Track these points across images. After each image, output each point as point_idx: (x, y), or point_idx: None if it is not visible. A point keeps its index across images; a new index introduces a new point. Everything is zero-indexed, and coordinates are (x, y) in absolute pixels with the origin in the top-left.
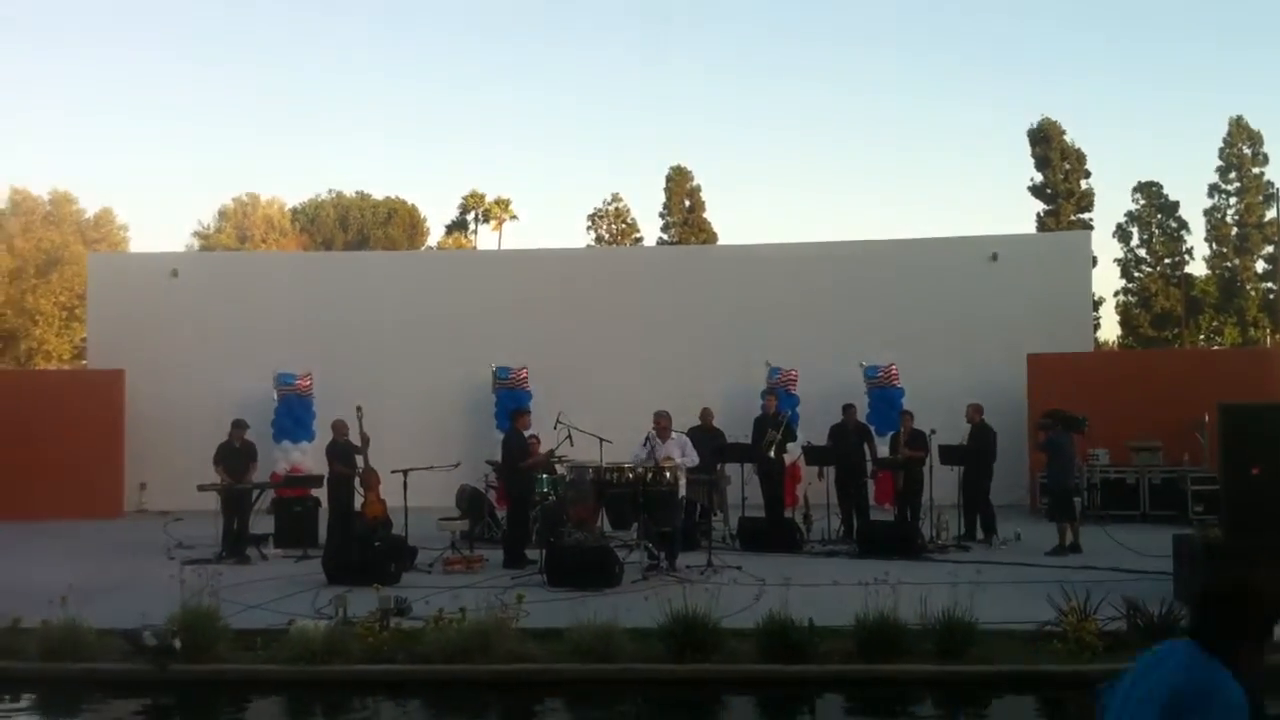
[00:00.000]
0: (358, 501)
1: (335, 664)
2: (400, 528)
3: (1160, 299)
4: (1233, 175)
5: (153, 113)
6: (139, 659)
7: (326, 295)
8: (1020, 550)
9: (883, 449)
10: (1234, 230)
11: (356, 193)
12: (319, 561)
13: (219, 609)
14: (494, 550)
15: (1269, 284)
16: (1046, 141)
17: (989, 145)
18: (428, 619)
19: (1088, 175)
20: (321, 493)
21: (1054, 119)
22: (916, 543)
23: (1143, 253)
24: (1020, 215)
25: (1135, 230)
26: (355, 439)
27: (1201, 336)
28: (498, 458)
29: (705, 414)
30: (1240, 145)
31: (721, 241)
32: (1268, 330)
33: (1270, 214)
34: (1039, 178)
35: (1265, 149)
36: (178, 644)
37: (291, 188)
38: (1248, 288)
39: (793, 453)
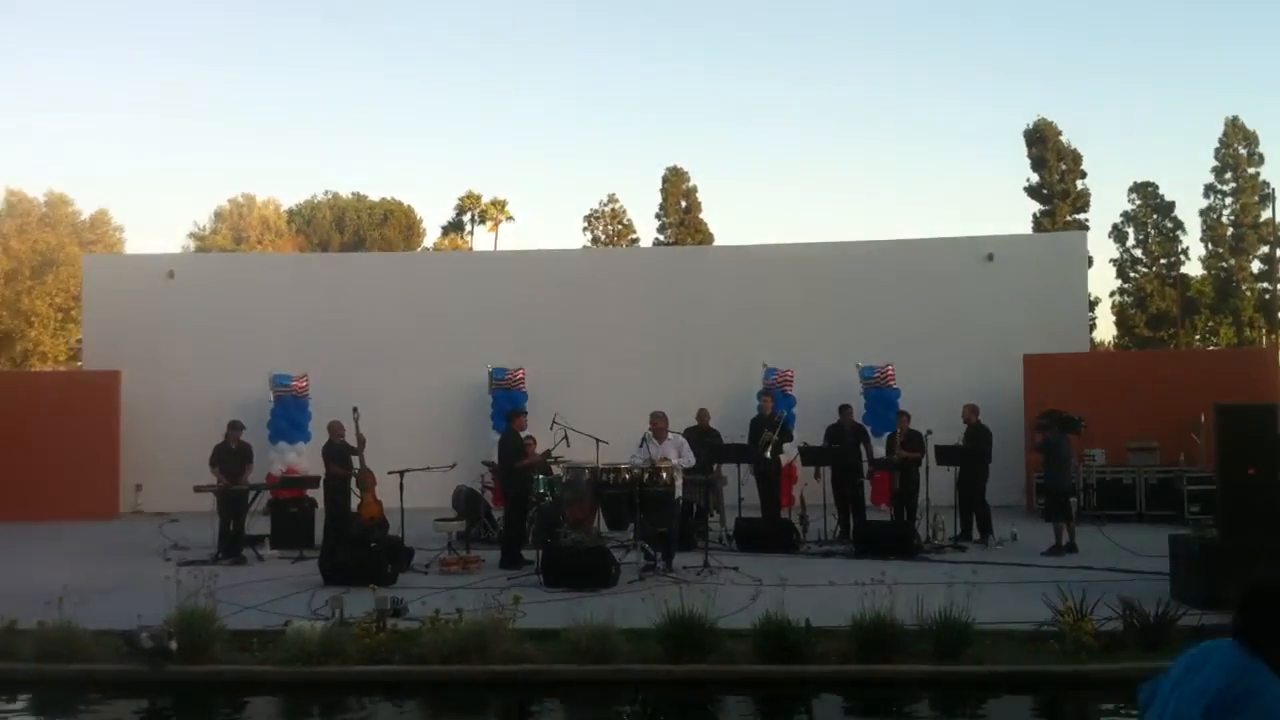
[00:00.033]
0: (354, 502)
1: (332, 665)
2: (397, 528)
3: (1156, 299)
4: (1228, 175)
5: (149, 114)
6: (135, 660)
7: (322, 296)
8: (1016, 550)
9: (879, 449)
10: (1230, 230)
11: (352, 194)
12: (315, 562)
13: (215, 610)
14: (490, 551)
15: (1265, 284)
16: (1042, 142)
17: (985, 145)
18: (424, 620)
19: (1083, 176)
20: (318, 494)
21: (1050, 119)
22: (913, 543)
23: (1138, 253)
24: (1016, 216)
25: (1131, 230)
26: (351, 440)
27: (1197, 337)
28: (494, 458)
29: (701, 415)
30: (1236, 145)
31: (718, 242)
32: (1263, 330)
33: (1266, 214)
34: (1035, 178)
35: (1261, 149)
36: (174, 645)
37: (287, 189)
38: (1243, 288)
39: (789, 453)
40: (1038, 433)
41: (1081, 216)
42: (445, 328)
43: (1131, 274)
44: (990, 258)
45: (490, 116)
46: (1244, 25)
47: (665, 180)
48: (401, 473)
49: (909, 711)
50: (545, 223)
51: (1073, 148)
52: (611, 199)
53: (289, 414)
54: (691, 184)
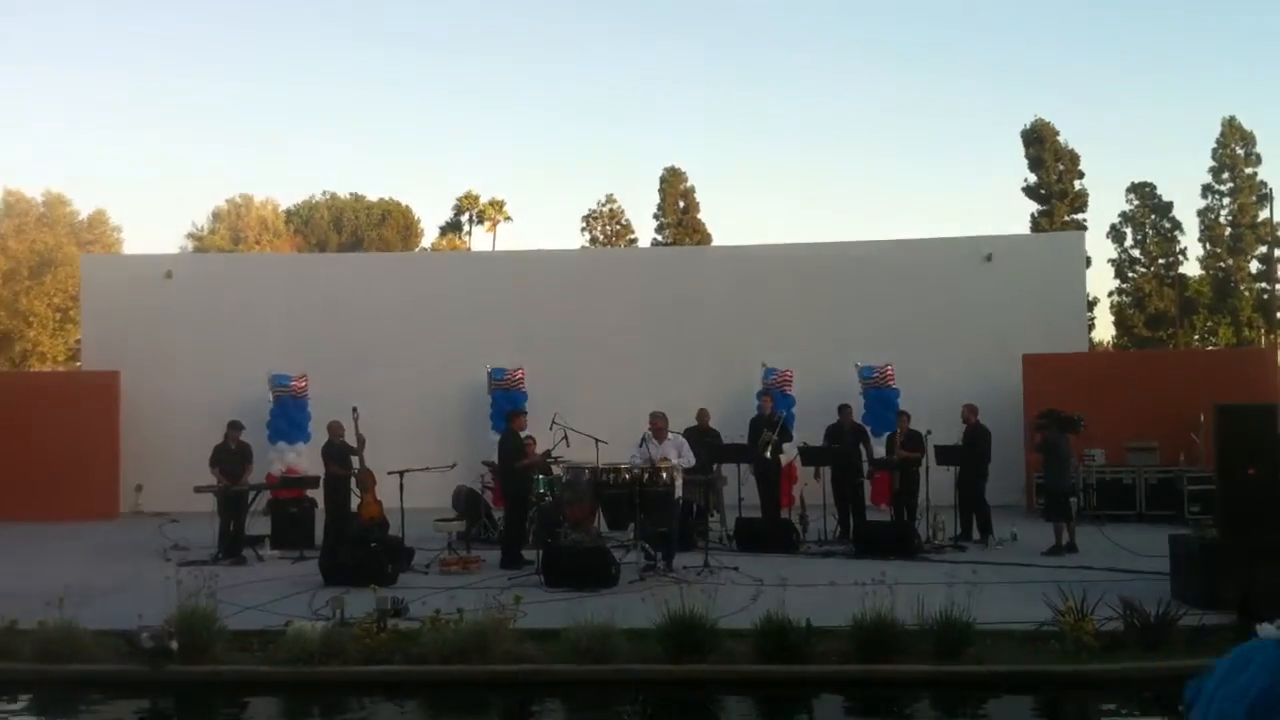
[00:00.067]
0: (354, 503)
1: (332, 665)
2: (397, 529)
3: (1154, 299)
4: (1226, 176)
5: (146, 114)
6: (136, 660)
7: (321, 297)
8: (1016, 550)
9: (879, 449)
10: (1228, 231)
11: (351, 194)
12: (315, 563)
13: (216, 610)
14: (491, 551)
15: (1263, 284)
16: (1040, 142)
17: (983, 146)
18: (424, 620)
19: (1081, 176)
20: (318, 494)
21: (1048, 120)
22: (913, 543)
23: (1136, 253)
24: (1014, 216)
25: (1129, 231)
26: (351, 440)
27: (1196, 337)
28: (494, 458)
29: (701, 415)
30: (1233, 145)
31: (716, 243)
32: (1262, 330)
33: (1264, 214)
34: (1033, 178)
35: (1258, 149)
36: (174, 645)
37: (285, 189)
38: (1241, 288)
39: (789, 453)
40: (1037, 433)
41: (1079, 217)
42: (444, 328)
43: (1130, 274)
44: (989, 258)
45: (488, 117)
46: (1241, 26)
47: (663, 181)
48: (401, 473)
49: (910, 711)
50: (543, 223)
51: (1070, 148)
52: (609, 199)
53: (288, 414)
54: (689, 184)
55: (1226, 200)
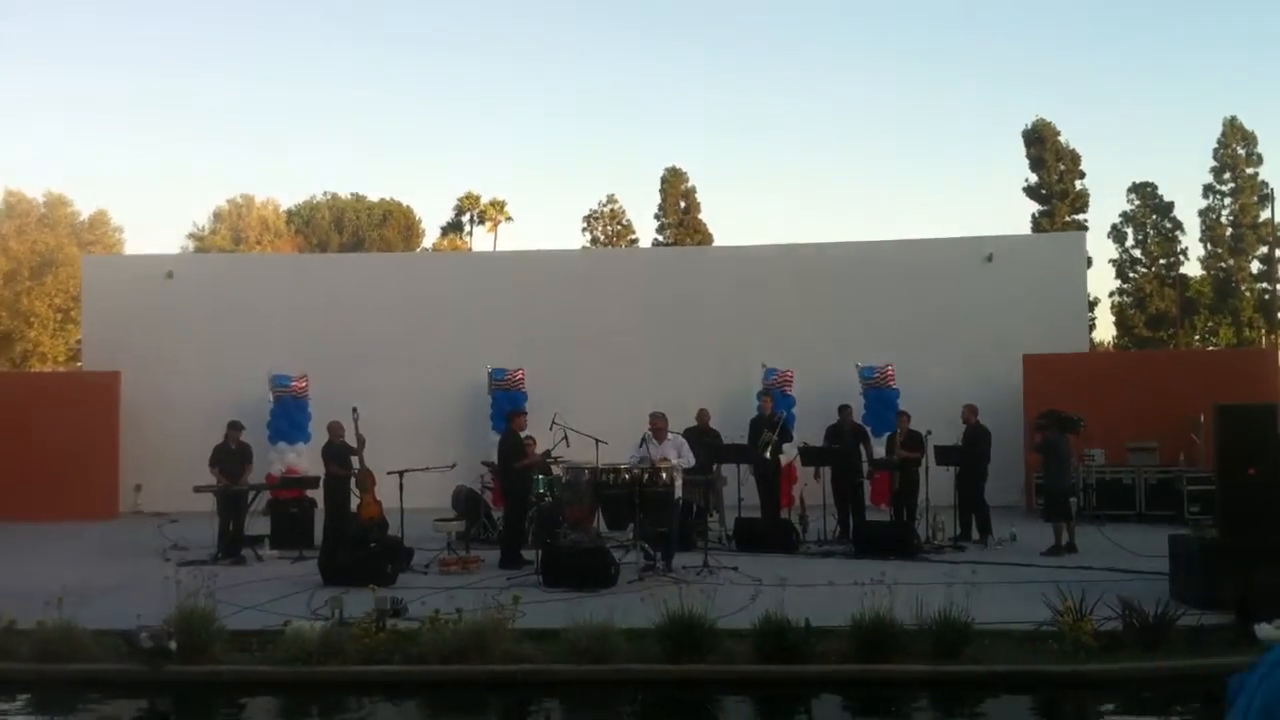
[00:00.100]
0: (354, 503)
1: (331, 665)
2: (396, 529)
3: (1155, 299)
4: (1227, 176)
5: (147, 114)
6: (135, 660)
7: (322, 297)
8: (1016, 550)
9: (879, 449)
10: (1229, 231)
11: (352, 194)
12: (315, 563)
13: (215, 610)
14: (490, 551)
15: (1264, 284)
16: (1041, 142)
17: (984, 146)
18: (424, 620)
19: (1082, 176)
20: (317, 494)
21: (1049, 120)
22: (912, 543)
23: (1137, 253)
24: (1015, 216)
25: (1130, 231)
26: (351, 440)
27: (1196, 337)
28: (494, 459)
29: (701, 415)
30: (1234, 146)
31: (716, 243)
32: (1263, 331)
33: (1265, 214)
34: (1034, 178)
35: (1259, 149)
36: (173, 645)
37: (286, 189)
38: (1242, 288)
39: (789, 453)
40: (1037, 433)
41: (1080, 217)
42: (445, 328)
43: (1131, 274)
44: (990, 258)
45: (489, 117)
46: (1242, 26)
47: (664, 181)
48: (401, 473)
49: (908, 711)
50: (544, 223)
51: (1071, 148)
52: (610, 199)
53: (288, 414)
54: (690, 184)
55: (1228, 200)
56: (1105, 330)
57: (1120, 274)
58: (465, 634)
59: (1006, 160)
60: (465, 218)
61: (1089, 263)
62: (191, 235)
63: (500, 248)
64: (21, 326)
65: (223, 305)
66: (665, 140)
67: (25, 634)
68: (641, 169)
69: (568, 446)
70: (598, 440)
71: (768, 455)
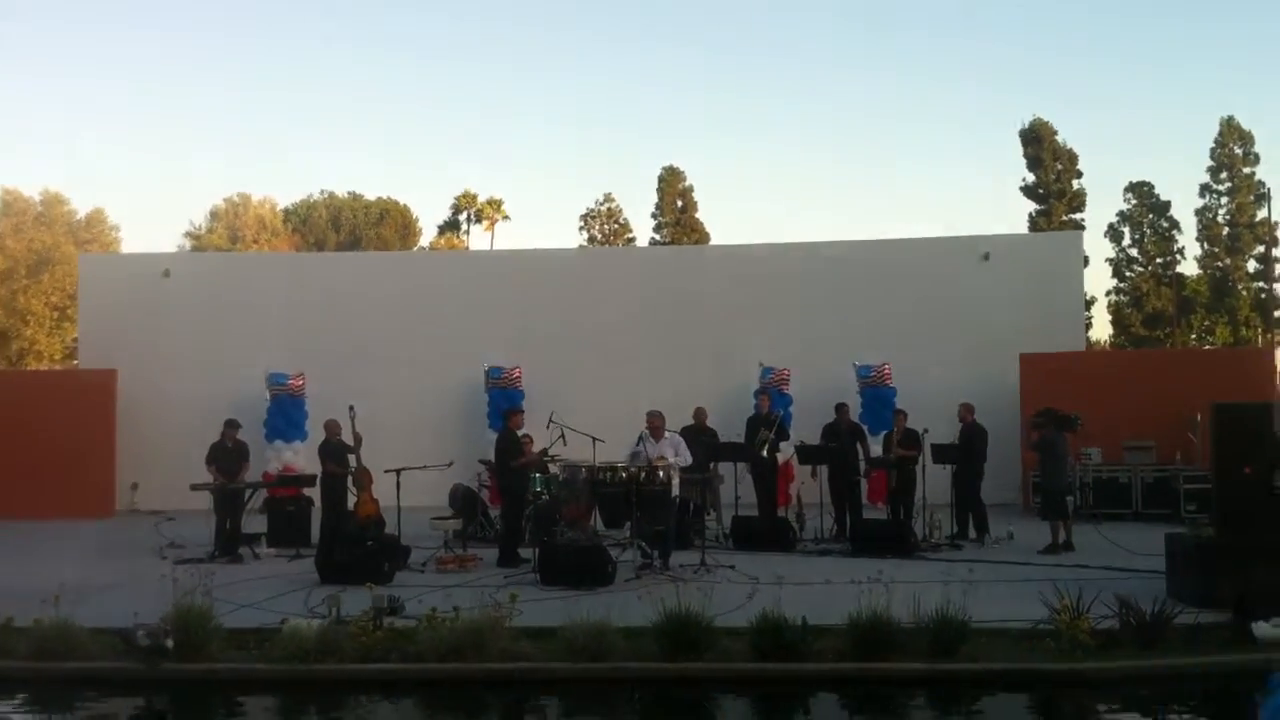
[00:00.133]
0: (351, 501)
1: (328, 663)
2: (393, 527)
3: (1152, 299)
4: (1224, 175)
5: (145, 113)
6: (131, 658)
7: (319, 295)
8: (1013, 549)
9: (876, 448)
10: (1225, 230)
11: (348, 193)
12: (312, 561)
13: (212, 608)
14: (487, 549)
15: (1260, 283)
16: (1038, 142)
17: (981, 145)
18: (421, 618)
19: (1079, 175)
20: (314, 492)
21: (1045, 119)
22: (909, 541)
23: (1134, 252)
24: (1012, 215)
25: (1127, 230)
26: (348, 438)
27: (1193, 336)
28: (491, 457)
29: (698, 413)
30: (1231, 145)
31: (714, 242)
32: (1259, 330)
33: (1261, 214)
34: (1031, 178)
35: (1256, 149)
36: (170, 643)
37: (283, 188)
38: (1239, 287)
39: (786, 452)
40: (1034, 431)
41: (1077, 216)
42: (442, 326)
43: (1127, 273)
44: (986, 257)
45: (486, 116)
46: (1239, 25)
47: (661, 180)
48: (398, 471)
49: (905, 709)
50: (541, 222)
51: (1068, 147)
52: (607, 198)
53: (285, 412)
54: (687, 183)
55: (1224, 200)
56: (1102, 329)
57: (1117, 273)
58: (462, 632)
59: (1004, 159)
60: (462, 216)
61: (1086, 262)
62: (188, 234)
63: (497, 246)
64: (18, 325)
65: (219, 304)
66: (662, 139)
67: (22, 632)
68: (639, 168)
69: (565, 445)
70: (595, 439)
71: (765, 454)
